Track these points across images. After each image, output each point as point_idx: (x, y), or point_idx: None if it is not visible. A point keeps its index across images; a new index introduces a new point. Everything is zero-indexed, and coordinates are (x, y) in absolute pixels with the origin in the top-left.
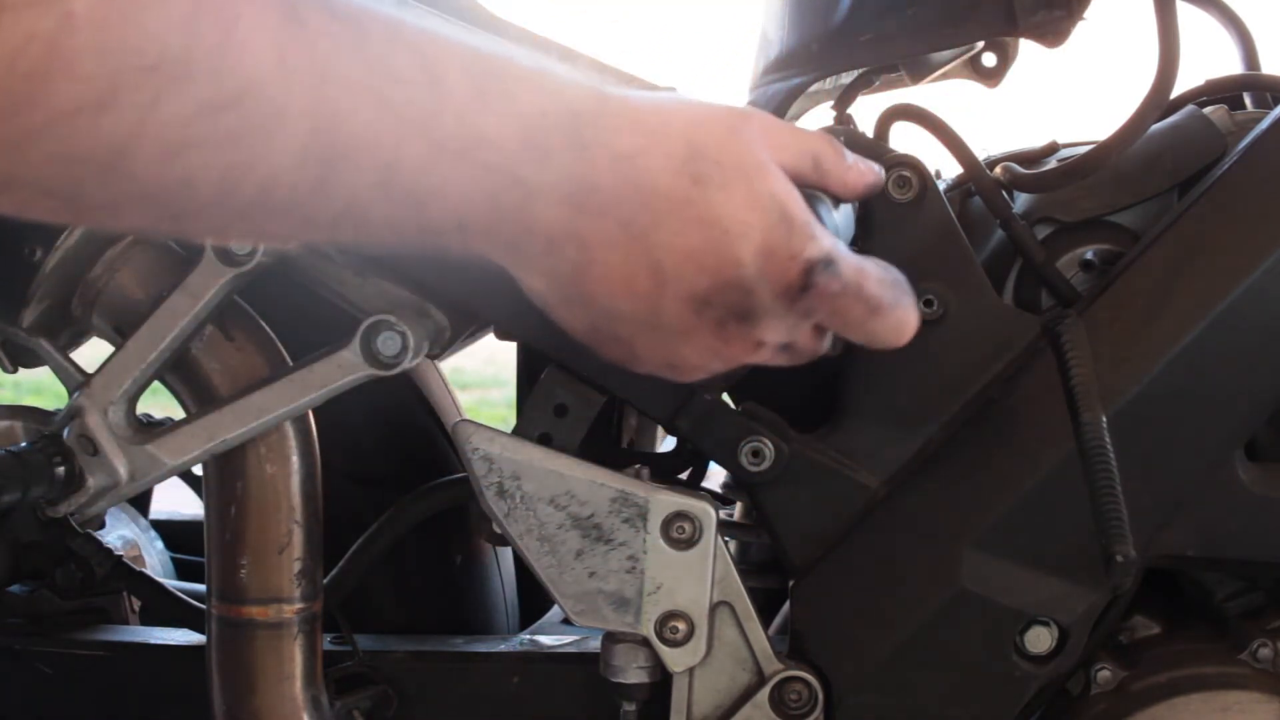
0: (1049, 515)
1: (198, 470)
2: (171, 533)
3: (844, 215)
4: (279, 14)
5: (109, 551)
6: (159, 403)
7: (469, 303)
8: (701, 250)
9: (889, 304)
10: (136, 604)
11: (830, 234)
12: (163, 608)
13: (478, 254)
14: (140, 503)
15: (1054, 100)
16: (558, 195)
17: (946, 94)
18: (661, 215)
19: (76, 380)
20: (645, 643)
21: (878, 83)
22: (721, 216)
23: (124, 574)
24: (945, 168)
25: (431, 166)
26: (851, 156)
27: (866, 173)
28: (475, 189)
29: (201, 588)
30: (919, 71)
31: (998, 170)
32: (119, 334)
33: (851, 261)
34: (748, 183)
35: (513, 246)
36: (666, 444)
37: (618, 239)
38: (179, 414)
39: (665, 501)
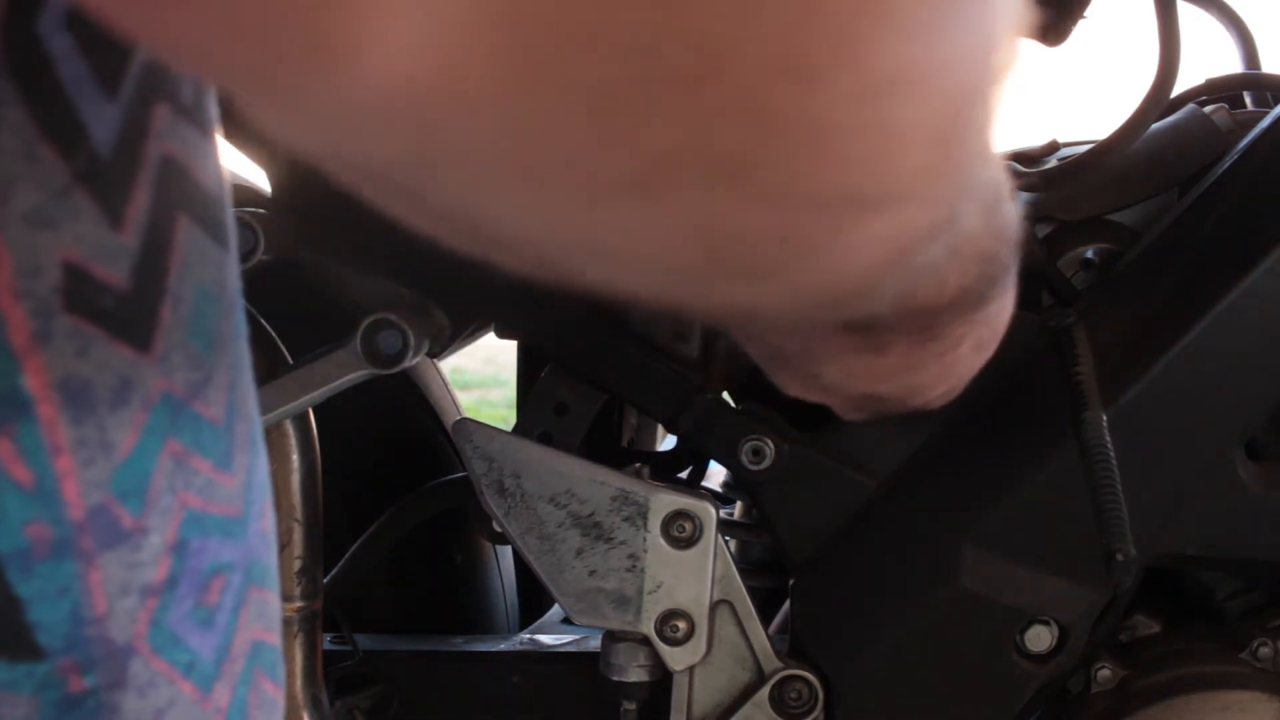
0: (1049, 514)
1: None
2: None
3: None
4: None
5: None
6: None
7: (469, 301)
8: (922, 385)
9: None
10: None
11: None
12: None
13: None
14: None
15: (1054, 100)
16: (915, 335)
17: None
18: (942, 365)
19: None
20: (645, 641)
21: None
22: (959, 374)
23: None
24: None
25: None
26: None
27: None
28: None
29: None
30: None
31: None
32: None
33: None
34: (993, 348)
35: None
36: (667, 443)
37: (901, 363)
38: None
39: (666, 500)
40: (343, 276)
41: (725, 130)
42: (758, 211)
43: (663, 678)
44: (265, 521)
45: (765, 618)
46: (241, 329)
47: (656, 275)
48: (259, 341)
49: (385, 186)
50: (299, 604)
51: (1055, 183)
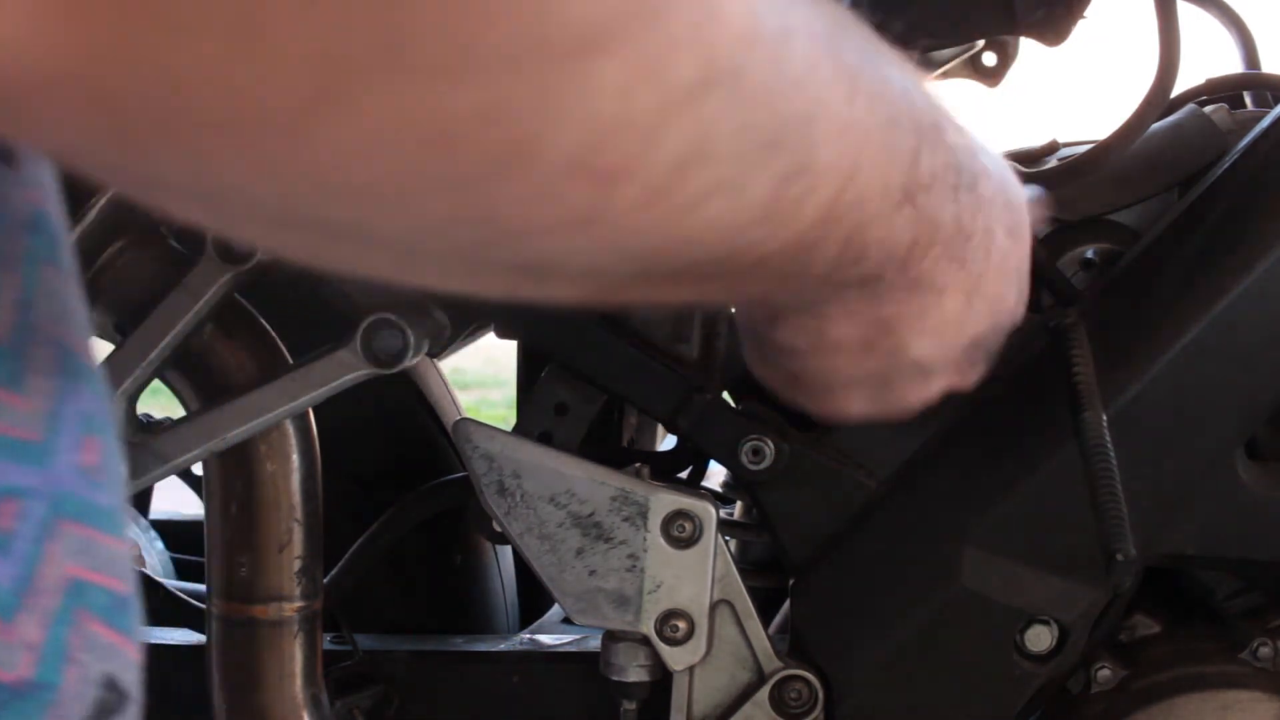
0: (1049, 514)
1: (198, 470)
2: (171, 533)
3: None
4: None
5: None
6: (159, 403)
7: (469, 301)
8: (996, 298)
9: None
10: None
11: None
12: (163, 608)
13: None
14: (140, 503)
15: (1054, 100)
16: (947, 240)
17: (946, 93)
18: (993, 263)
19: None
20: (645, 641)
21: None
22: (1015, 267)
23: None
24: None
25: (891, 219)
26: None
27: None
28: (906, 236)
29: (201, 588)
30: (919, 70)
31: None
32: (119, 332)
33: None
34: (1027, 234)
35: (878, 295)
36: (667, 443)
37: (963, 284)
38: (179, 413)
39: (665, 500)
40: (343, 276)
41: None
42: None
43: (663, 678)
44: (88, 456)
45: (765, 618)
46: (40, 253)
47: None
48: (259, 341)
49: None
50: (299, 603)
51: (1055, 183)
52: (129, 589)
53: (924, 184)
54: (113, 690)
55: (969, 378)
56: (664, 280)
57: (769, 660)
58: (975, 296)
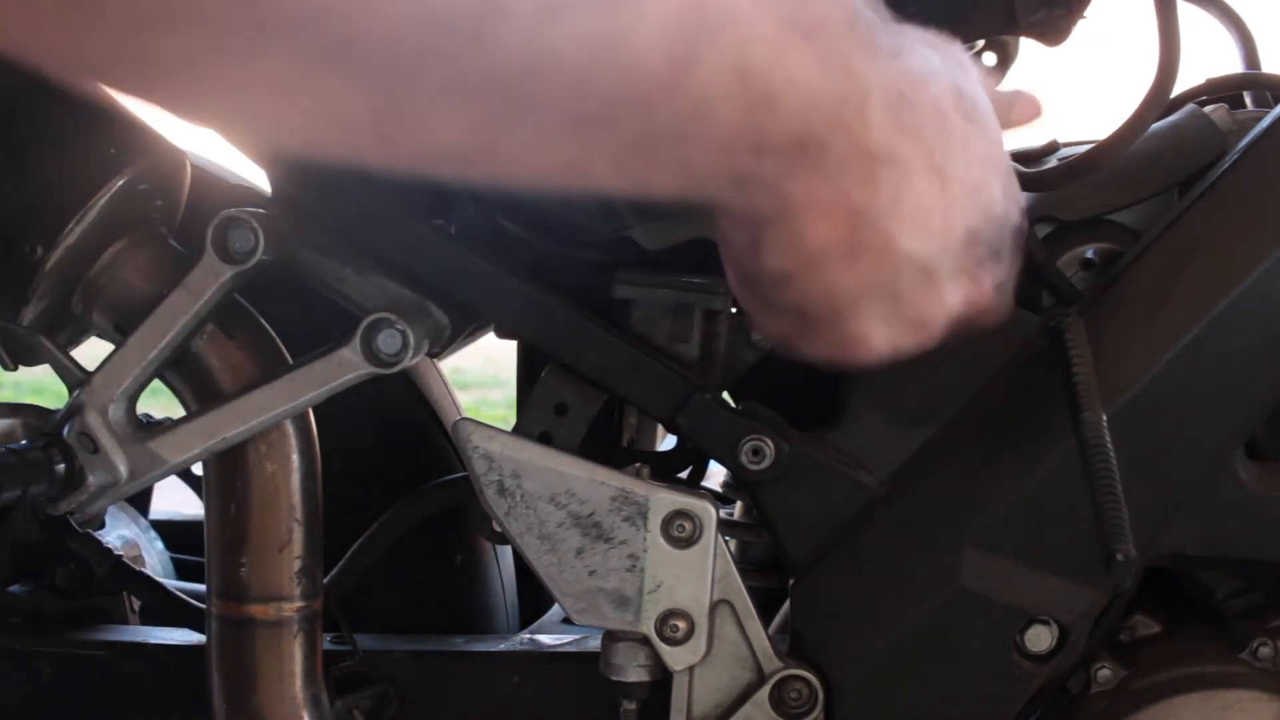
0: (1049, 514)
1: (197, 470)
2: (171, 533)
3: None
4: None
5: (109, 551)
6: (159, 403)
7: (469, 301)
8: (973, 184)
9: None
10: (136, 604)
11: None
12: (163, 608)
13: (774, 195)
14: (140, 503)
15: (1054, 100)
16: (884, 101)
17: None
18: (954, 147)
19: (77, 378)
20: (645, 641)
21: None
22: (988, 154)
23: (124, 574)
24: None
25: (783, 50)
26: None
27: None
28: (820, 82)
29: (201, 588)
30: None
31: None
32: (119, 332)
33: None
34: (994, 124)
35: (837, 174)
36: (667, 443)
37: (926, 167)
38: (179, 414)
39: (665, 500)
40: (342, 275)
41: None
42: None
43: (663, 678)
44: None
45: (765, 618)
46: None
47: None
48: (259, 341)
49: None
50: (299, 603)
51: (1055, 183)
52: None
53: (814, 20)
54: None
55: (983, 284)
56: (553, 118)
57: (769, 660)
58: (947, 179)
